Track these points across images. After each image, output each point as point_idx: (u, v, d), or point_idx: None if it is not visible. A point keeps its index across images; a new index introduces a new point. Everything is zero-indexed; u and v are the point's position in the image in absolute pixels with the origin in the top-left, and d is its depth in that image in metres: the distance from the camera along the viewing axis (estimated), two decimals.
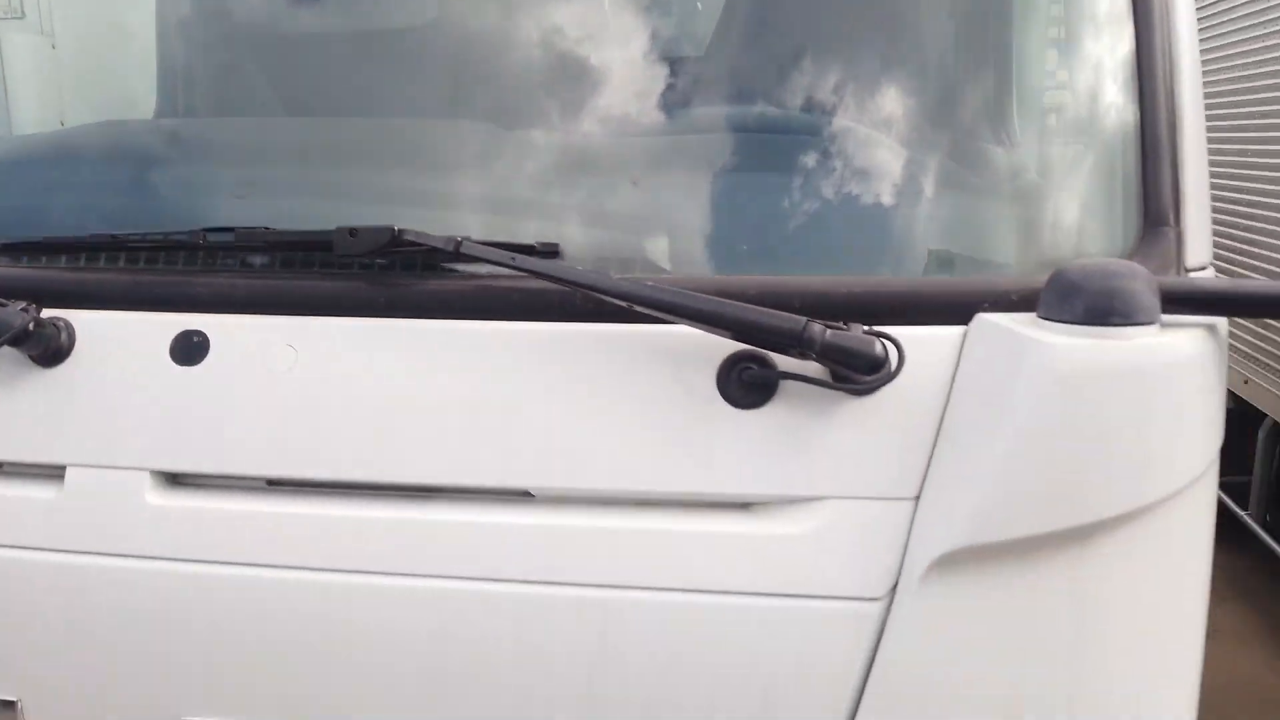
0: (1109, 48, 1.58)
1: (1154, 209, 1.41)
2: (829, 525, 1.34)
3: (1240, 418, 4.55)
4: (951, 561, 1.30)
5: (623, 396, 1.41)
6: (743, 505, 1.40)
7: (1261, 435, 4.71)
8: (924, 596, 1.32)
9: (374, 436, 1.46)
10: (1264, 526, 4.73)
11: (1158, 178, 1.42)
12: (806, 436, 1.36)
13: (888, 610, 1.33)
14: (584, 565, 1.40)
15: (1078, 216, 1.58)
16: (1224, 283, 1.52)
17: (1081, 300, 1.25)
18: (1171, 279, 1.34)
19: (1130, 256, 1.39)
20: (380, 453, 1.46)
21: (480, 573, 1.42)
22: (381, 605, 1.45)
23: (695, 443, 1.39)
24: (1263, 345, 4.50)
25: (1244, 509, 4.80)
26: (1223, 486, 1.60)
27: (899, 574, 1.33)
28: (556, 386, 1.43)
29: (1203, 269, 1.49)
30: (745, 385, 1.38)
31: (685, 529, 1.39)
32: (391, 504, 1.47)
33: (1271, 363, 4.43)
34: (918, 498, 1.33)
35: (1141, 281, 1.25)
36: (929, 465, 1.32)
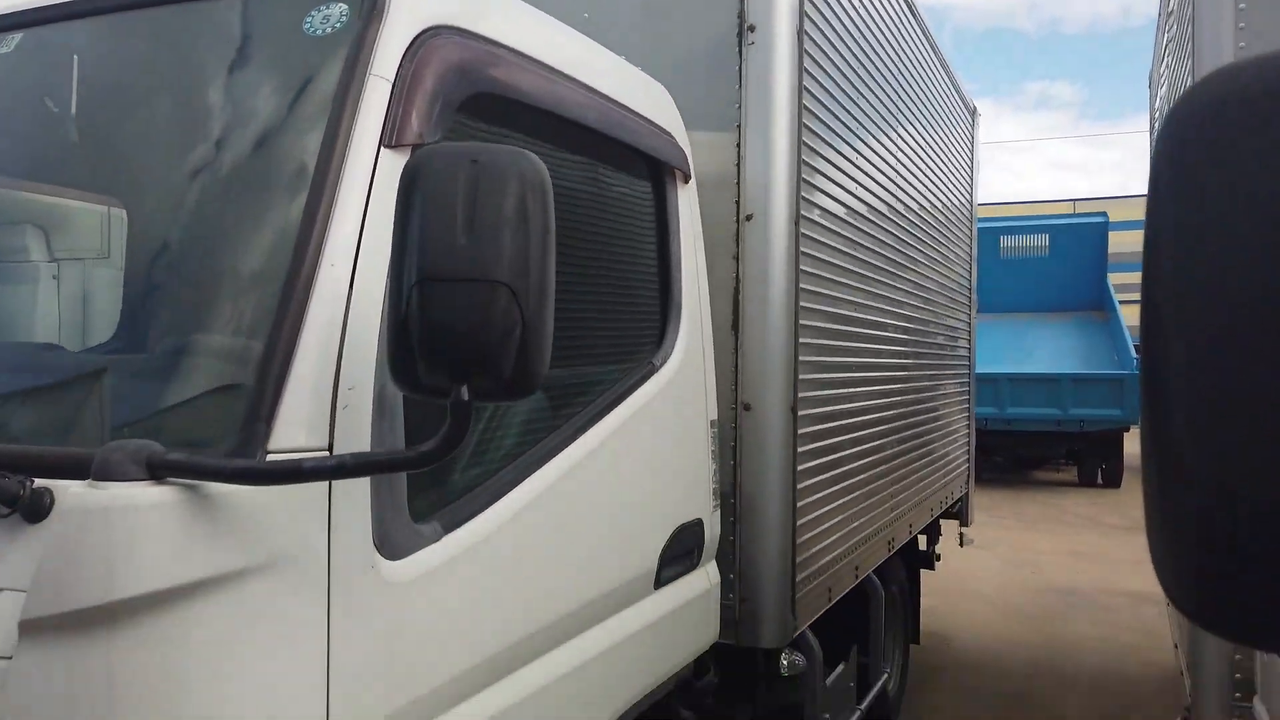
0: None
1: (257, 400, 1.65)
2: None
3: None
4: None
5: None
6: None
7: None
8: None
9: None
10: None
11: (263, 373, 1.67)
12: None
13: None
14: None
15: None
16: (189, 460, 1.60)
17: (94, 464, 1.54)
18: (158, 452, 1.55)
19: (221, 438, 1.66)
20: None
21: None
22: None
23: None
24: None
25: None
26: None
27: None
28: None
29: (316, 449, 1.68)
30: None
31: None
32: None
33: None
34: None
35: (123, 453, 1.54)
36: None
